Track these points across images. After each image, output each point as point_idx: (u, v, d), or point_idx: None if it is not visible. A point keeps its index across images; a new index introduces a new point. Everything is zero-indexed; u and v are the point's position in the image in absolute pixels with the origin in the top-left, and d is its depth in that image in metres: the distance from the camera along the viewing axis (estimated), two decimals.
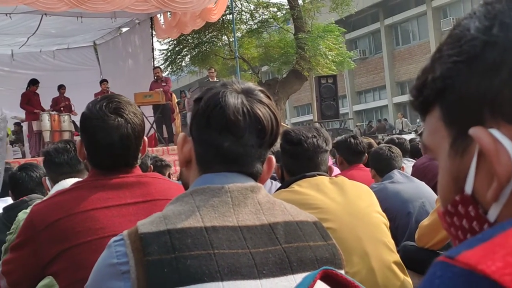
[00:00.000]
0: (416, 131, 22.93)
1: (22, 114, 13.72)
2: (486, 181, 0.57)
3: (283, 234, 1.22)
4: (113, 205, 1.85)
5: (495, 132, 0.55)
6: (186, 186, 1.37)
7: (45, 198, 2.00)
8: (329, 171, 2.56)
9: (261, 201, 1.26)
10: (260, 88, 1.32)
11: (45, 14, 13.53)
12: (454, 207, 0.62)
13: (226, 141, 1.24)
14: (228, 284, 1.12)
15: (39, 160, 11.04)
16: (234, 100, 1.24)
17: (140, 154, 1.98)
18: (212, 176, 1.26)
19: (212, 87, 1.31)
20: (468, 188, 0.60)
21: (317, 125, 16.80)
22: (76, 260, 1.77)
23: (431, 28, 34.25)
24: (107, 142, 1.87)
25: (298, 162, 2.43)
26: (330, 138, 2.64)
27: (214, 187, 1.23)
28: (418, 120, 29.25)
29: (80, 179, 2.71)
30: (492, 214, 0.58)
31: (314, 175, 2.41)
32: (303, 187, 2.34)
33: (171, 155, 11.60)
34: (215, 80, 14.64)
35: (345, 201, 2.36)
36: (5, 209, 3.33)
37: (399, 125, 26.26)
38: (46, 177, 2.94)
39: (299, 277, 1.17)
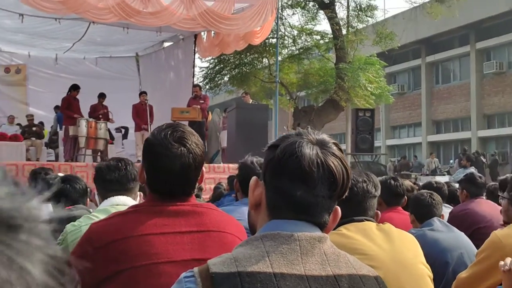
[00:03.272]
0: (448, 172, 22.68)
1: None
2: None
3: (347, 287, 1.25)
4: (168, 232, 1.90)
5: None
6: (252, 228, 1.41)
7: (103, 218, 2.05)
8: (375, 217, 2.57)
9: (327, 252, 1.29)
10: (333, 140, 1.36)
11: (93, 22, 13.82)
12: None
13: (298, 190, 1.28)
14: None
15: (72, 165, 11.29)
16: (309, 151, 1.28)
17: (197, 184, 2.03)
18: (282, 223, 1.30)
19: (288, 136, 1.35)
20: None
21: (350, 158, 16.75)
22: (130, 283, 1.82)
23: (473, 69, 33.99)
24: (168, 170, 1.92)
25: (347, 205, 2.43)
26: (379, 183, 2.66)
27: (284, 234, 1.27)
28: (451, 161, 28.96)
29: (129, 198, 2.78)
30: None
31: (362, 220, 2.42)
32: (351, 231, 2.36)
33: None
34: (250, 102, 14.75)
35: (392, 249, 2.37)
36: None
37: (432, 165, 26.00)
38: (95, 192, 3.01)
39: None
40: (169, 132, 1.95)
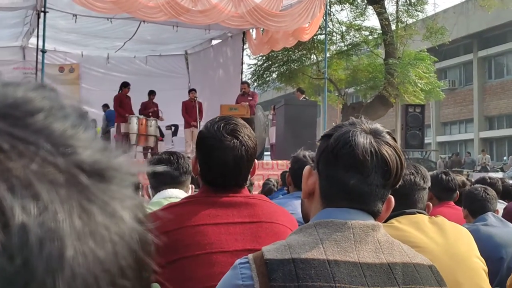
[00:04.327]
0: (502, 169, 22.14)
1: None
2: None
3: (401, 275, 1.25)
4: (221, 223, 1.93)
5: None
6: (305, 217, 1.43)
7: (158, 208, 2.10)
8: (427, 209, 2.55)
9: (381, 240, 1.29)
10: (387, 130, 1.36)
11: (144, 21, 14.03)
12: None
13: (352, 179, 1.29)
14: None
15: None
16: (363, 140, 1.29)
17: (249, 176, 2.05)
18: (336, 211, 1.31)
19: (341, 125, 1.36)
20: None
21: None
22: (184, 272, 1.86)
23: None
24: (221, 162, 1.95)
25: (394, 198, 2.42)
26: (428, 175, 2.63)
27: (338, 222, 1.28)
28: (504, 158, 28.25)
29: (181, 190, 2.83)
30: None
31: (413, 213, 2.40)
32: (403, 224, 2.34)
33: None
34: (301, 99, 14.73)
35: (445, 243, 2.34)
36: None
37: (482, 161, 25.38)
38: (148, 185, 3.07)
39: None
40: (222, 125, 1.98)
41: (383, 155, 1.29)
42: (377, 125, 1.35)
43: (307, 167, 1.40)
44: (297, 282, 1.18)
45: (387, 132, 1.35)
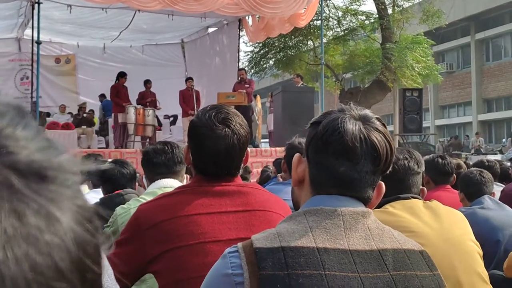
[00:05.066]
0: (501, 151, 22.14)
1: None
2: None
3: (391, 261, 1.25)
4: (214, 212, 1.93)
5: None
6: (296, 205, 1.42)
7: (151, 199, 2.10)
8: (421, 193, 2.54)
9: (371, 227, 1.29)
10: (376, 116, 1.35)
11: (139, 10, 13.97)
12: None
13: (342, 166, 1.28)
14: None
15: (122, 151, 11.50)
16: (352, 126, 1.28)
17: (242, 164, 2.05)
18: (326, 198, 1.30)
19: (330, 112, 1.35)
20: None
21: (398, 138, 16.55)
22: (177, 262, 1.86)
23: None
24: (213, 151, 1.95)
25: (388, 183, 2.39)
26: (422, 159, 2.62)
27: (327, 209, 1.27)
28: (503, 140, 28.26)
29: (176, 180, 2.83)
30: None
31: (408, 198, 2.40)
32: (397, 209, 2.33)
33: (249, 157, 11.72)
34: (299, 85, 14.70)
35: (440, 227, 2.34)
36: (102, 199, 3.50)
37: (476, 143, 25.26)
38: (143, 176, 3.07)
39: None
40: (213, 114, 1.97)
41: (372, 141, 1.28)
42: (367, 111, 1.34)
43: (296, 155, 1.39)
44: (286, 270, 1.17)
45: (377, 118, 1.34)
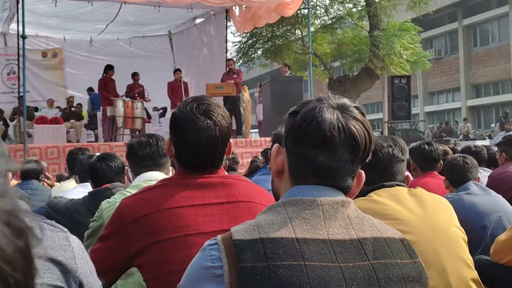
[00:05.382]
0: (490, 136, 22.26)
1: None
2: None
3: (371, 250, 1.25)
4: (197, 204, 1.92)
5: None
6: (276, 195, 1.41)
7: (134, 193, 2.09)
8: (406, 181, 2.54)
9: (351, 216, 1.28)
10: (354, 104, 1.34)
11: (124, 2, 13.88)
12: None
13: (320, 155, 1.27)
14: None
15: (111, 144, 11.47)
16: (330, 115, 1.27)
17: (225, 156, 2.04)
18: (305, 188, 1.29)
19: (308, 102, 1.34)
20: None
21: (387, 125, 16.59)
22: (161, 255, 1.85)
23: None
24: (195, 143, 1.94)
25: (373, 171, 2.36)
26: (407, 147, 2.62)
27: (307, 200, 1.26)
28: (492, 125, 28.40)
29: (161, 173, 2.81)
30: None
31: (392, 185, 2.40)
32: (382, 197, 2.34)
33: (239, 147, 11.74)
34: (287, 75, 14.67)
35: (424, 214, 2.34)
36: (90, 193, 3.48)
37: (464, 129, 25.34)
38: (128, 169, 3.05)
39: None
40: (194, 106, 1.96)
41: (350, 130, 1.27)
42: (345, 100, 1.34)
43: (275, 145, 1.38)
44: (265, 262, 1.17)
45: (355, 107, 1.33)
